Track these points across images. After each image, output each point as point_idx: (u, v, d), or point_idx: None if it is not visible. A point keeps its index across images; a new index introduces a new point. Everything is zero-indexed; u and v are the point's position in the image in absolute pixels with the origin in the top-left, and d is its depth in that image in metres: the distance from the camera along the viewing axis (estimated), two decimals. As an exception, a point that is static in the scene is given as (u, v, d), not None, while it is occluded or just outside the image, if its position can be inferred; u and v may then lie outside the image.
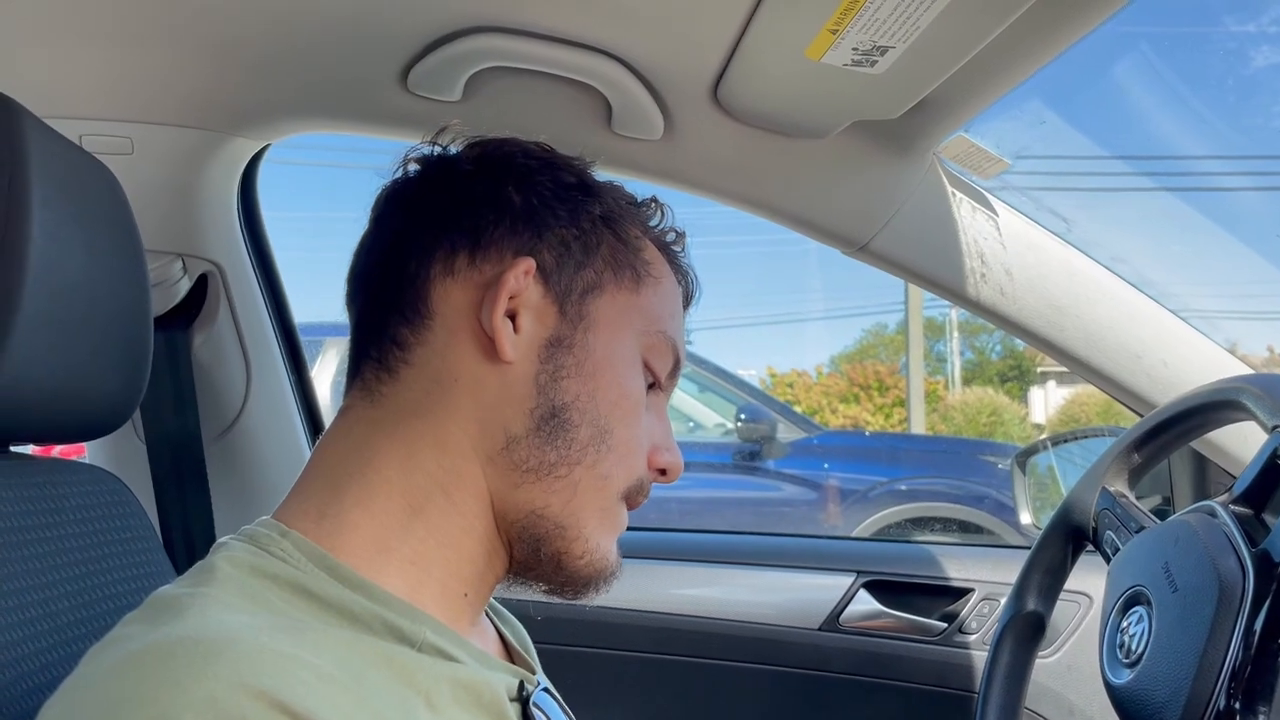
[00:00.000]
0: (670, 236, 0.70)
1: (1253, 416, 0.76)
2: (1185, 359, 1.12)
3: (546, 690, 0.63)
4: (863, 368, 16.67)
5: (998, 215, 1.09)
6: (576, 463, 0.59)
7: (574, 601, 0.63)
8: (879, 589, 1.29)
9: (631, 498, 0.63)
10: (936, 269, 1.09)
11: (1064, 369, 1.18)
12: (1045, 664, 1.24)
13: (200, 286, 1.10)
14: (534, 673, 0.66)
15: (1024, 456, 1.57)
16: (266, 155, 1.12)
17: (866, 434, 8.56)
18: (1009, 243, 1.08)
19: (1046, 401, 12.55)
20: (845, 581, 1.29)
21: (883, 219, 1.07)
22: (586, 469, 0.59)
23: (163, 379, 1.05)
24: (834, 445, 5.24)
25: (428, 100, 0.96)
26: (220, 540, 0.56)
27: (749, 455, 4.86)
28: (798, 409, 8.89)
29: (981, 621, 1.25)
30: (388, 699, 0.49)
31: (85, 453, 1.16)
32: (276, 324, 1.18)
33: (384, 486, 0.57)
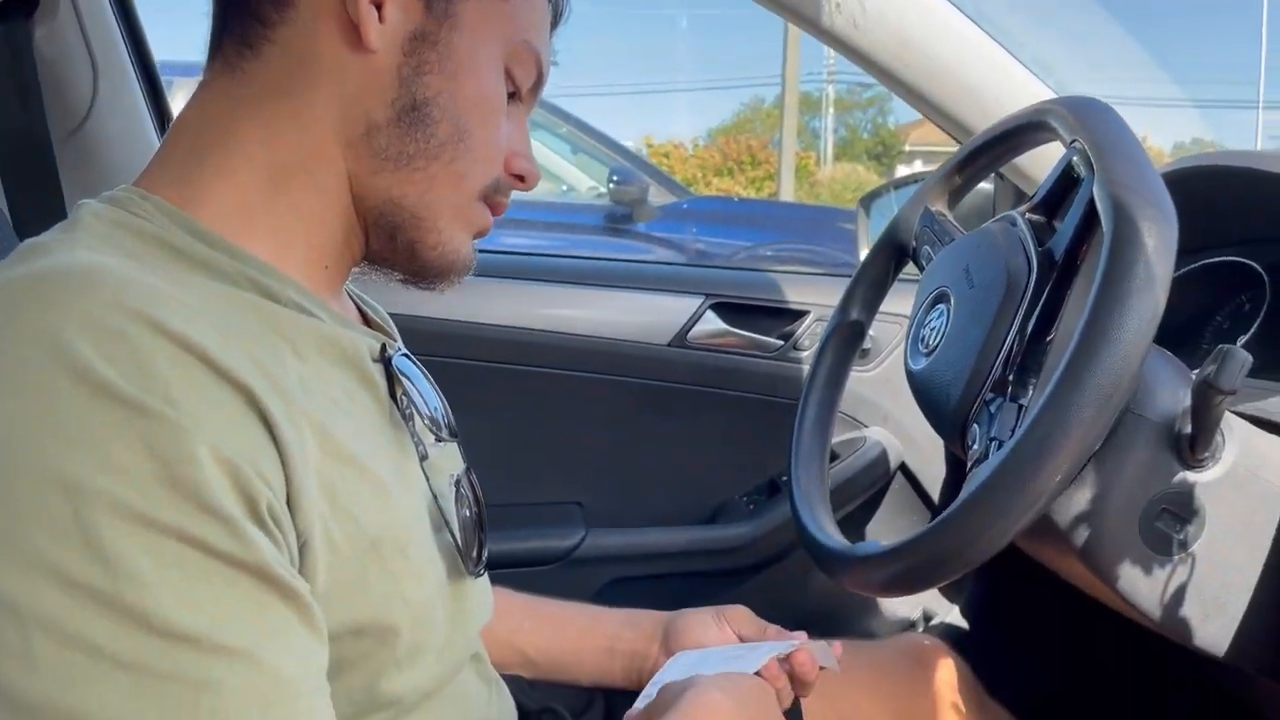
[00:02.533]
0: None
1: (1056, 135, 0.83)
2: (1019, 98, 1.19)
3: (407, 356, 0.66)
4: (737, 141, 16.67)
5: (856, -55, 1.12)
6: (434, 158, 0.60)
7: (427, 289, 0.66)
8: (724, 310, 1.39)
9: (489, 198, 0.65)
10: (794, -2, 1.12)
11: (933, 149, 1.24)
12: (866, 376, 1.39)
13: (37, -26, 1.04)
14: (395, 340, 0.69)
15: (869, 200, 1.67)
16: None
17: (734, 200, 8.68)
18: (864, -26, 1.12)
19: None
20: (694, 303, 1.38)
21: (747, -58, 1.08)
22: (443, 165, 0.61)
23: (5, 72, 1.01)
24: (702, 210, 5.28)
25: None
26: (81, 201, 0.56)
27: (619, 218, 4.90)
28: (672, 179, 8.89)
29: (814, 339, 1.37)
30: (257, 341, 0.51)
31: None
32: (121, 19, 1.13)
33: (246, 160, 0.58)
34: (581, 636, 0.86)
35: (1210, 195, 0.96)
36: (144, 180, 0.58)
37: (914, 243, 0.98)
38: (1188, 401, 0.72)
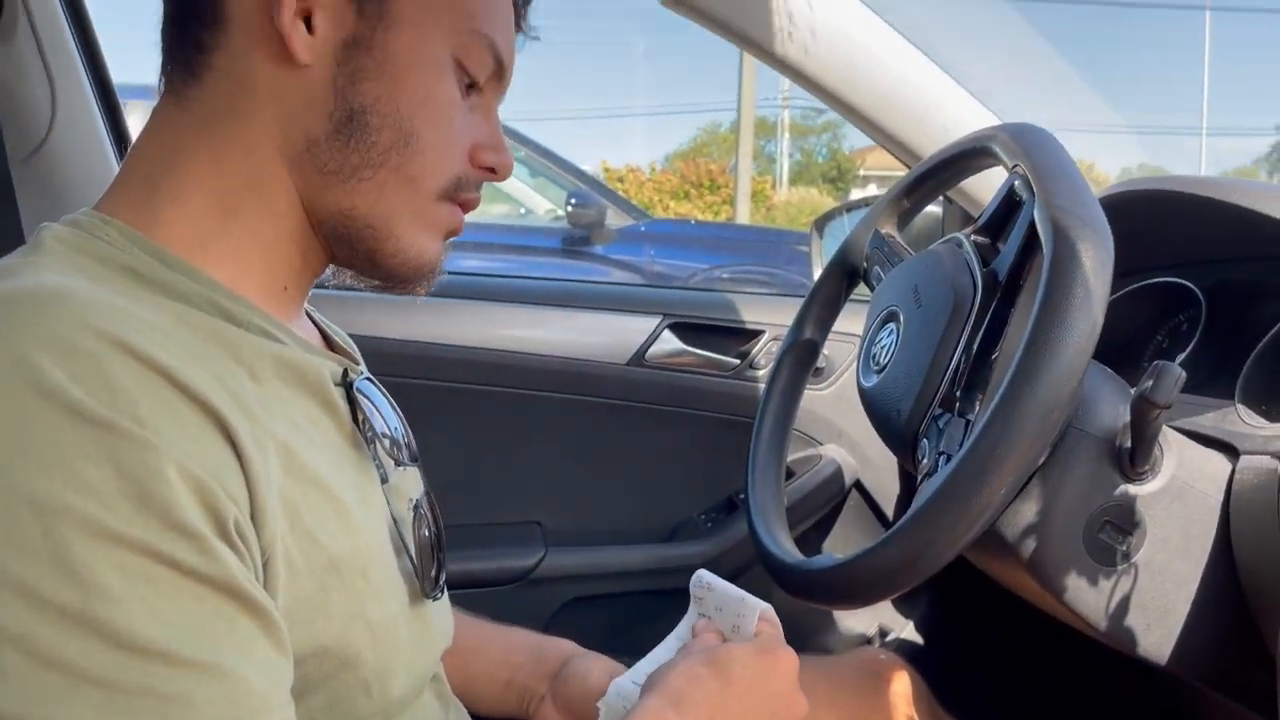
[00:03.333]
0: None
1: (998, 160, 0.86)
2: (966, 125, 1.23)
3: (369, 379, 0.65)
4: (695, 165, 16.78)
5: (807, -24, 1.15)
6: (380, 165, 0.59)
7: (401, 294, 0.65)
8: (682, 330, 1.41)
9: (455, 196, 0.63)
10: (747, 25, 1.14)
11: (887, 173, 1.27)
12: (820, 395, 1.41)
13: (-6, -2, 1.04)
14: (358, 364, 0.69)
15: (822, 222, 1.70)
16: None
17: (691, 222, 8.75)
18: (815, 3, 1.15)
19: (866, 203, 13.00)
20: (652, 323, 1.40)
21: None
22: (391, 171, 0.59)
23: (-40, 94, 1.01)
24: (659, 233, 5.33)
25: None
26: (42, 225, 0.56)
27: (578, 241, 4.92)
28: (629, 201, 8.93)
29: (769, 359, 1.39)
30: (217, 365, 0.51)
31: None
32: (80, 43, 1.13)
33: (196, 186, 0.57)
34: (489, 668, 0.83)
35: (1147, 219, 0.99)
36: (104, 205, 0.58)
37: (865, 264, 1.01)
38: (1128, 417, 0.75)
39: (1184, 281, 1.01)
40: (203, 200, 0.57)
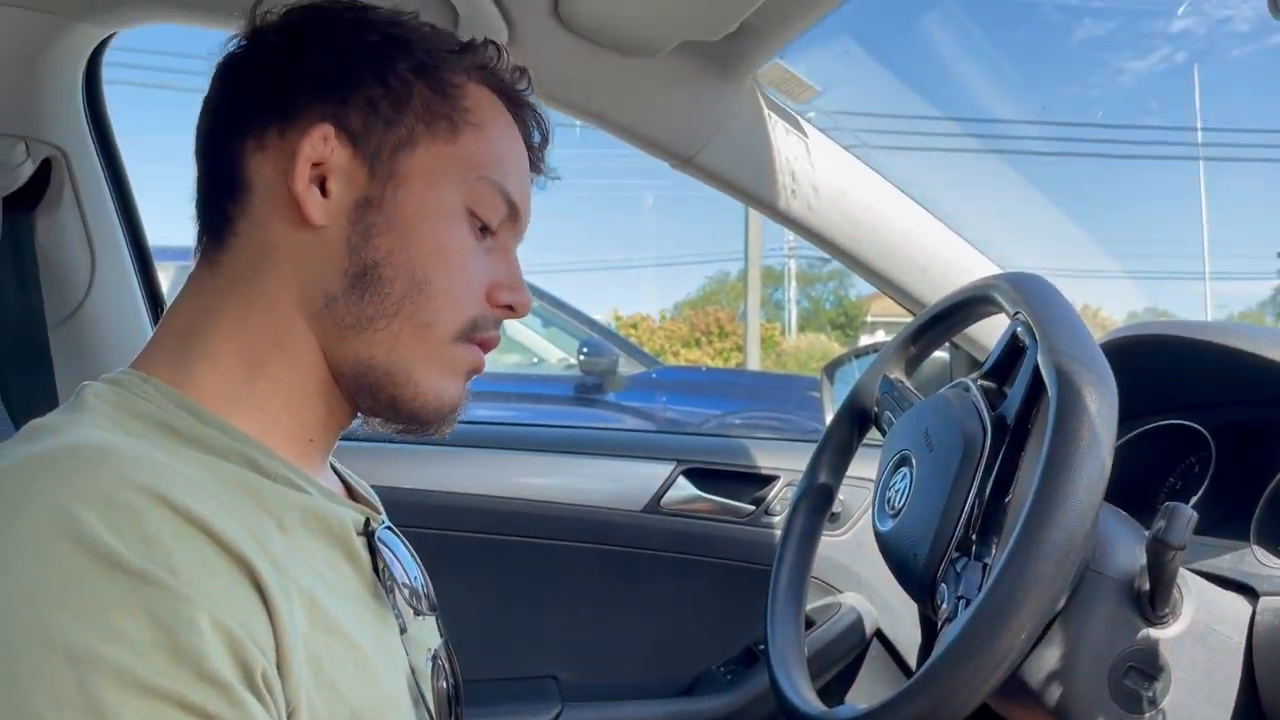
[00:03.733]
0: (506, 76, 0.69)
1: (1000, 308, 0.89)
2: (965, 272, 1.27)
3: (390, 529, 0.67)
4: (704, 313, 17.04)
5: (808, 137, 1.21)
6: (394, 314, 0.61)
7: (424, 438, 0.67)
8: (696, 476, 1.42)
9: (473, 337, 0.66)
10: (753, 184, 1.20)
11: (894, 319, 1.31)
12: (837, 541, 1.40)
13: (44, 171, 1.10)
14: (379, 514, 0.70)
15: (832, 368, 1.73)
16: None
17: (703, 369, 8.81)
18: (817, 162, 1.21)
19: (875, 347, 13.11)
20: (666, 469, 1.41)
21: (706, 136, 1.17)
22: (405, 319, 0.62)
23: (5, 262, 1.05)
24: (671, 380, 5.35)
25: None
26: (84, 384, 0.59)
27: (590, 388, 4.96)
28: (640, 349, 9.03)
29: (785, 504, 1.39)
30: (247, 516, 0.53)
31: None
32: (121, 211, 1.19)
33: (224, 344, 0.61)
34: None
35: (1149, 363, 1.01)
36: (141, 363, 0.61)
37: (875, 408, 1.02)
38: (1144, 559, 0.75)
39: (1192, 424, 1.02)
40: (231, 357, 0.61)
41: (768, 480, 1.42)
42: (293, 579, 0.53)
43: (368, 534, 0.63)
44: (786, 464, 1.42)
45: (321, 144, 0.61)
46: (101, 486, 0.47)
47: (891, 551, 0.89)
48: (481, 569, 1.37)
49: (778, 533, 1.38)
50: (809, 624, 1.35)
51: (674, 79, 1.13)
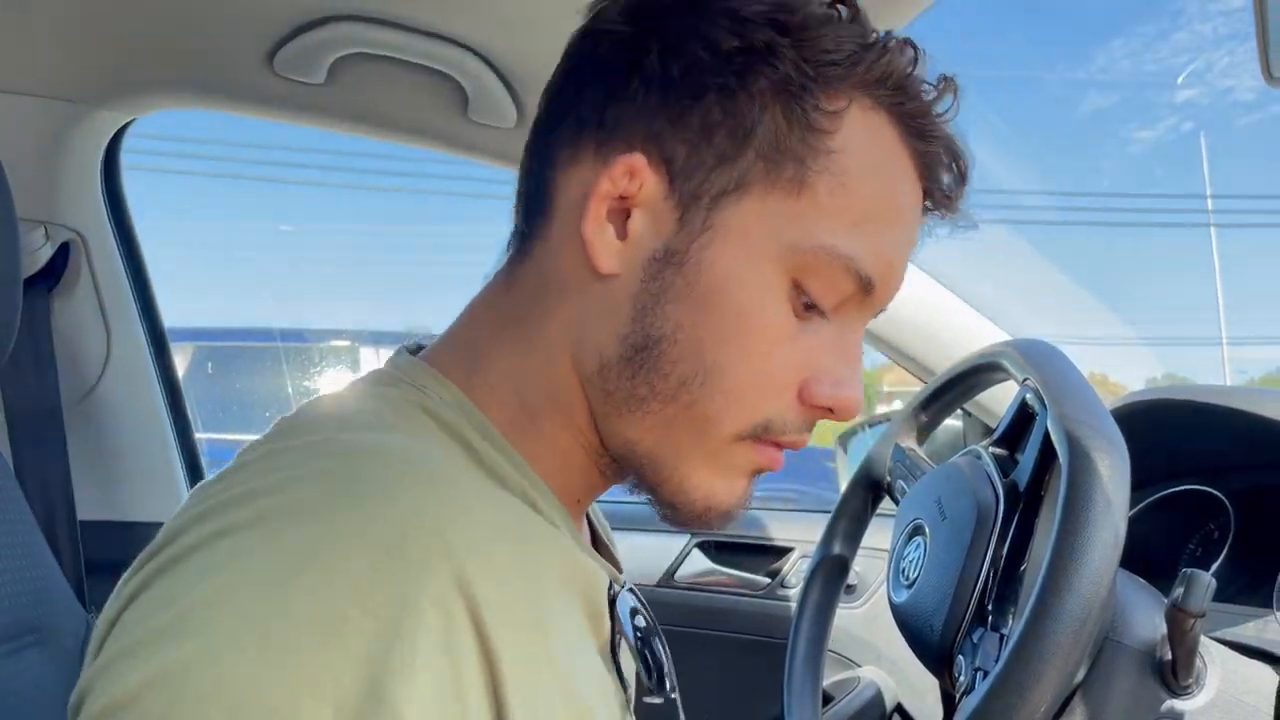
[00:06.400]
0: (917, 99, 0.52)
1: (1009, 375, 0.89)
2: (977, 340, 1.27)
3: (631, 590, 0.57)
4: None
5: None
6: (670, 400, 0.50)
7: (685, 529, 0.61)
8: (710, 549, 1.41)
9: (770, 437, 0.53)
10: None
11: (907, 389, 1.31)
12: (854, 614, 1.38)
13: (62, 254, 1.12)
14: (620, 572, 0.61)
15: (846, 437, 1.72)
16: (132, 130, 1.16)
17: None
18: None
19: (890, 417, 13.07)
20: (680, 542, 1.40)
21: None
22: (683, 408, 0.50)
23: (23, 343, 1.07)
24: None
25: (292, 82, 1.02)
26: (369, 370, 0.53)
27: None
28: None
29: (800, 577, 1.37)
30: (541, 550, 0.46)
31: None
32: (137, 294, 1.21)
33: (504, 382, 0.53)
34: None
35: (1161, 428, 1.01)
36: (435, 359, 0.54)
37: (888, 477, 1.02)
38: (1164, 628, 0.74)
39: (1210, 489, 1.01)
40: (508, 395, 0.53)
41: (783, 552, 1.40)
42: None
43: (610, 598, 0.52)
44: (801, 535, 1.41)
45: (626, 180, 0.50)
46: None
47: (907, 623, 0.88)
48: None
49: (793, 605, 1.36)
50: (827, 699, 1.32)
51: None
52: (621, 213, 0.50)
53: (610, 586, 0.52)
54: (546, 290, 0.53)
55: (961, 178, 0.55)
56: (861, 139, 0.50)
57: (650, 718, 0.60)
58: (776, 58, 0.49)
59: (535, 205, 0.53)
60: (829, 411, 0.53)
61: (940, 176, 0.54)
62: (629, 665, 0.53)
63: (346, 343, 4.74)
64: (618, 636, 0.52)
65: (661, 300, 0.50)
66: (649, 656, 0.55)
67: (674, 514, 0.55)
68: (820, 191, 0.49)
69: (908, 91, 0.51)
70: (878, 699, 1.36)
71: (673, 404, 0.50)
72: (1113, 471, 0.69)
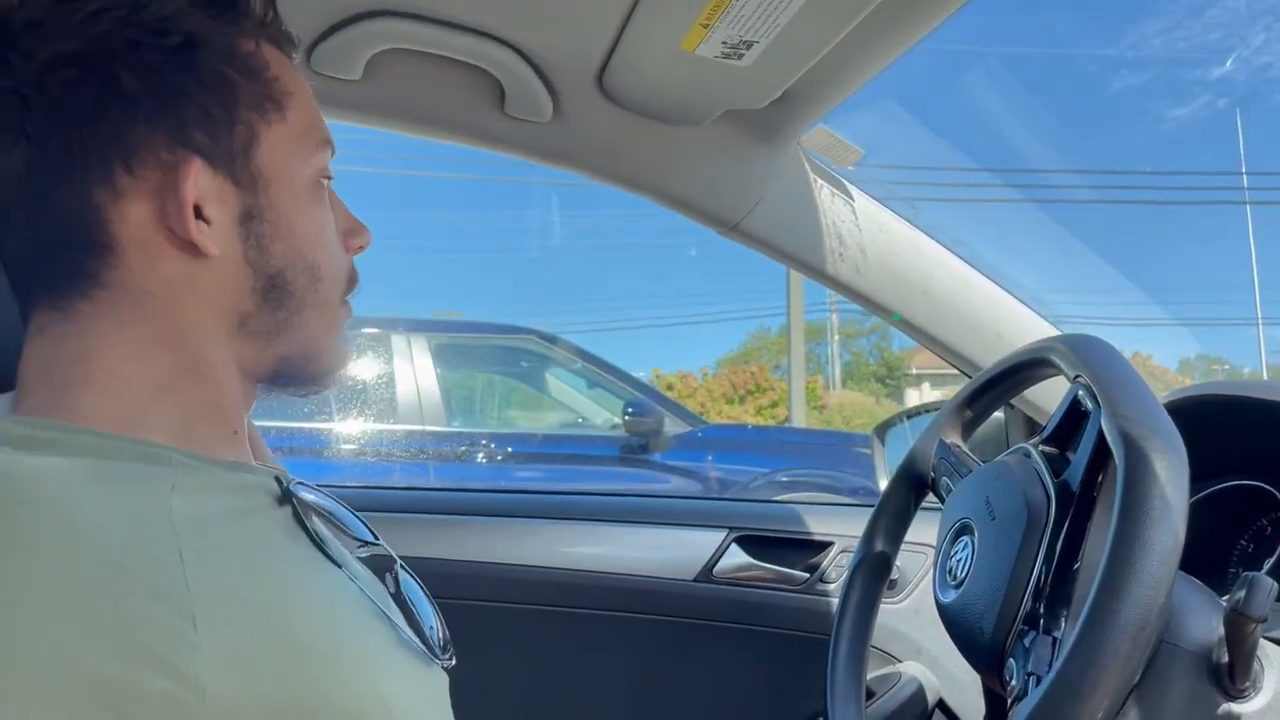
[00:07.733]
0: (268, 17, 0.63)
1: (1059, 371, 0.87)
2: (1016, 330, 1.25)
3: (302, 484, 0.62)
4: (742, 370, 17.02)
5: (854, 200, 1.21)
6: (300, 308, 0.63)
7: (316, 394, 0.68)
8: (748, 543, 1.39)
9: (348, 292, 0.68)
10: (800, 248, 1.20)
11: (938, 372, 1.30)
12: (896, 609, 1.37)
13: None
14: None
15: (883, 429, 1.71)
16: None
17: (749, 427, 8.76)
18: (863, 225, 1.20)
19: (922, 401, 13.10)
20: (718, 537, 1.39)
21: (751, 202, 1.18)
22: (311, 308, 0.63)
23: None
24: (717, 438, 5.33)
25: (329, 79, 1.02)
26: None
27: (636, 449, 4.94)
28: (684, 408, 9.02)
29: (840, 571, 1.36)
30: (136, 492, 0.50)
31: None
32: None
33: (122, 380, 0.56)
34: None
35: (1214, 422, 0.99)
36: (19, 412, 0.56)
37: (932, 474, 1.01)
38: (1221, 630, 0.72)
39: (1262, 484, 0.99)
40: (130, 391, 0.56)
41: (822, 547, 1.39)
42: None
43: (285, 492, 0.59)
44: (840, 529, 1.39)
45: (195, 177, 0.57)
46: None
47: (955, 624, 0.87)
48: (528, 642, 1.36)
49: (833, 600, 1.36)
50: (869, 695, 1.31)
51: (718, 147, 1.14)
52: (194, 206, 0.57)
53: (281, 482, 0.59)
54: (152, 296, 0.58)
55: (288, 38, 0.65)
56: (274, 60, 0.62)
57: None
58: (206, 39, 0.58)
59: (93, 249, 0.57)
60: (361, 249, 0.69)
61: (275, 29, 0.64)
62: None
63: (375, 330, 4.77)
64: (308, 514, 0.59)
65: (263, 246, 0.60)
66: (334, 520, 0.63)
67: (317, 385, 0.67)
68: (293, 107, 0.63)
69: (269, 24, 0.63)
70: (919, 695, 1.35)
71: (304, 309, 0.63)
72: (1171, 473, 0.67)
